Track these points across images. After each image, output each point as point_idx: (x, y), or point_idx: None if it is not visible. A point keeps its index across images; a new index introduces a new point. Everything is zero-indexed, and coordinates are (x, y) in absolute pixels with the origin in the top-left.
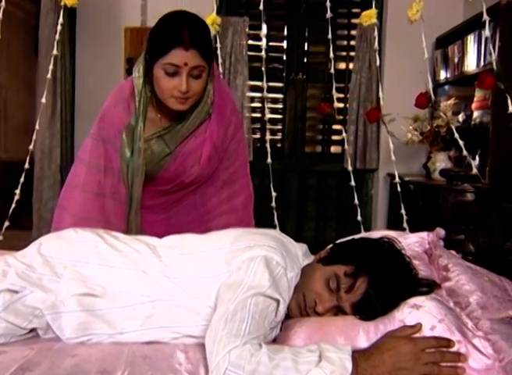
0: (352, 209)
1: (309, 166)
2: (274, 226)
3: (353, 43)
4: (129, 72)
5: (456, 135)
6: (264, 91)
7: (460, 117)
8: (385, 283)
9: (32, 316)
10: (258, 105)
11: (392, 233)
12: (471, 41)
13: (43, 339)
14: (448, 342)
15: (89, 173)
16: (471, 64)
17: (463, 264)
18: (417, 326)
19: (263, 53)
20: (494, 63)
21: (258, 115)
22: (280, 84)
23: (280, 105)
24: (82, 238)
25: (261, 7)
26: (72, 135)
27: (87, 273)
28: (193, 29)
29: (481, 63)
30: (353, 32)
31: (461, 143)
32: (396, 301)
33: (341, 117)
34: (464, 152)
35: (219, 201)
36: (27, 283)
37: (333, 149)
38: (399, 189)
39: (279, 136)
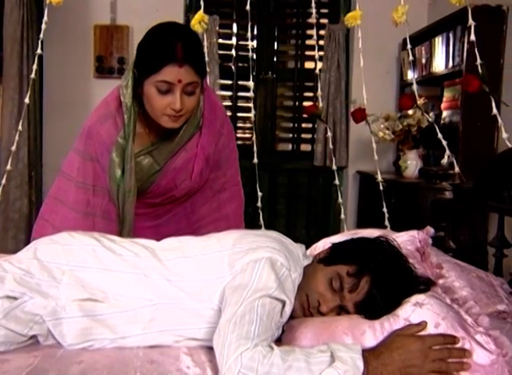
0: (321, 206)
1: (279, 165)
2: (259, 227)
3: (321, 43)
4: (98, 70)
5: (440, 136)
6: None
7: (430, 116)
8: (388, 282)
9: (32, 322)
10: (229, 103)
11: (378, 232)
12: (438, 43)
13: (44, 346)
14: (453, 339)
15: (78, 192)
16: (439, 65)
17: (451, 261)
18: (423, 324)
19: (233, 52)
20: (479, 67)
21: (228, 113)
22: (250, 83)
23: (250, 104)
24: (78, 242)
25: (248, 7)
26: (40, 134)
27: (86, 278)
28: (186, 43)
29: (450, 64)
30: (322, 32)
31: (444, 143)
32: (399, 299)
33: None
34: (447, 152)
35: (210, 210)
36: (26, 290)
37: (303, 147)
38: (381, 188)
39: (248, 134)
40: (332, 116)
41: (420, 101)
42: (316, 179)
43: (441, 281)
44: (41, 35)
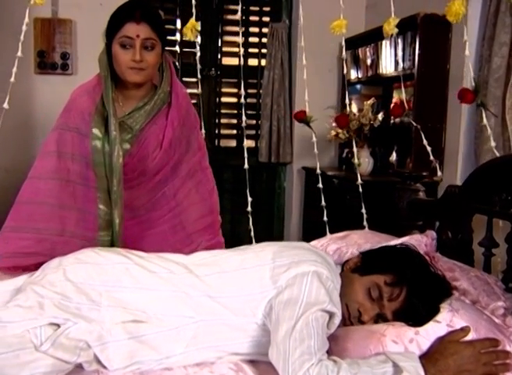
0: (265, 202)
1: (224, 161)
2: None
3: (264, 40)
4: (40, 66)
5: (425, 142)
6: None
7: (380, 116)
8: (425, 289)
9: (78, 349)
10: None
11: (370, 236)
12: (386, 46)
13: (88, 372)
14: (497, 342)
15: (58, 161)
16: (387, 67)
17: (449, 262)
18: (467, 329)
19: (177, 48)
20: (473, 80)
21: None
22: (194, 80)
23: (194, 101)
24: (108, 260)
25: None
26: None
27: (125, 298)
28: (144, 7)
29: (400, 68)
30: (265, 30)
31: (429, 149)
32: (437, 305)
33: (254, 112)
34: (431, 157)
35: (187, 191)
36: (70, 315)
37: (247, 144)
38: (360, 190)
39: None
40: (277, 113)
41: (370, 102)
42: (260, 175)
43: (457, 284)
44: (22, 37)
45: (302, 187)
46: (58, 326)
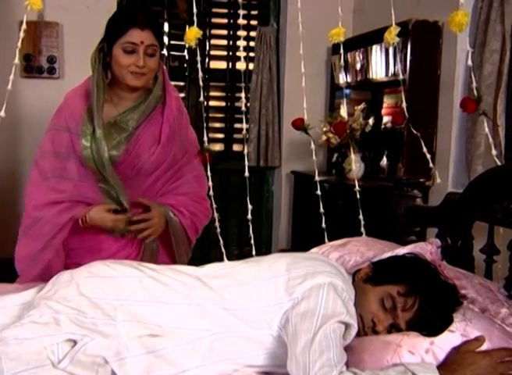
0: (253, 206)
1: (212, 165)
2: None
3: (252, 44)
4: (26, 70)
5: (425, 149)
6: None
7: (371, 121)
8: (439, 299)
9: (96, 365)
10: None
11: (378, 245)
12: (376, 51)
13: None
14: (511, 351)
15: (54, 161)
16: (378, 72)
17: (453, 269)
18: (481, 339)
19: (165, 51)
20: (474, 90)
21: None
22: (182, 83)
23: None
24: (120, 273)
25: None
26: None
27: (140, 312)
28: (146, 13)
29: (390, 73)
30: (253, 33)
31: (428, 156)
32: (451, 314)
33: (242, 116)
34: (431, 165)
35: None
36: (86, 331)
37: (235, 147)
38: (358, 196)
39: None
40: (265, 117)
41: (361, 107)
42: (248, 179)
43: (464, 292)
44: (19, 44)
45: (291, 192)
46: (74, 341)
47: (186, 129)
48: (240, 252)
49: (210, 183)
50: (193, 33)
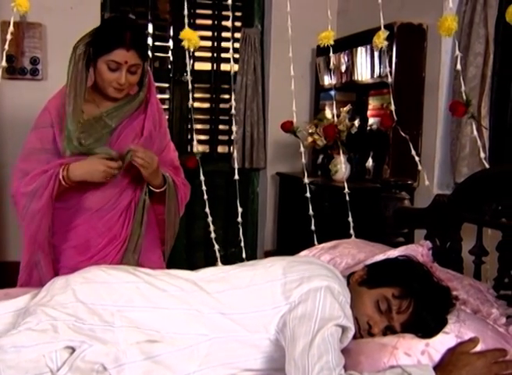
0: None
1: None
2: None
3: (237, 45)
4: (8, 71)
5: (413, 152)
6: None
7: (356, 122)
8: (433, 300)
9: (94, 372)
10: None
11: (369, 247)
12: (362, 53)
13: None
14: (505, 352)
15: (39, 155)
16: (363, 74)
17: (443, 271)
18: (476, 340)
19: (149, 52)
20: (463, 93)
21: None
22: (166, 85)
23: (166, 106)
24: (116, 279)
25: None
26: None
27: (138, 318)
28: (134, 32)
29: (376, 75)
30: (237, 35)
31: (417, 159)
32: (445, 316)
33: (227, 118)
34: (419, 167)
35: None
36: (85, 337)
37: (220, 149)
38: (347, 198)
39: None
40: (250, 118)
41: (346, 108)
42: (233, 180)
43: (456, 293)
44: (6, 46)
45: (276, 193)
46: (73, 348)
47: (166, 130)
48: (226, 254)
49: (204, 187)
50: (188, 36)
